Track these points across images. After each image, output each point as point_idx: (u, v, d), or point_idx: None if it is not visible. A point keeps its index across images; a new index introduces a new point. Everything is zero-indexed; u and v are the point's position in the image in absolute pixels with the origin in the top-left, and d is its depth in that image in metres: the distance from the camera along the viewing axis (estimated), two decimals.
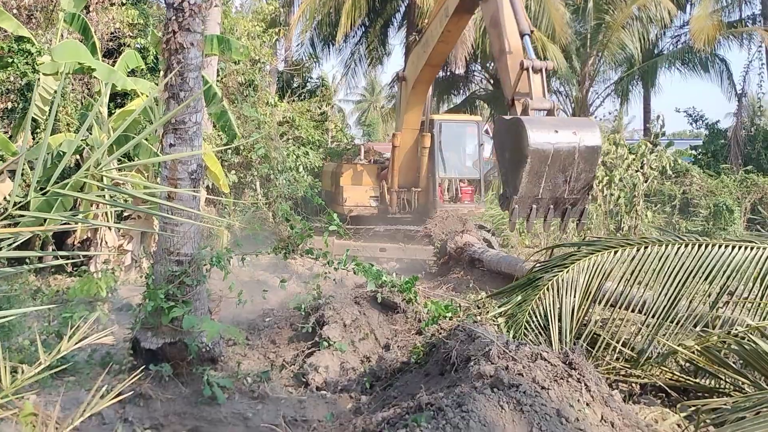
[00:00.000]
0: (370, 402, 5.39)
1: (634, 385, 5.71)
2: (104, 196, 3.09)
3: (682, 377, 5.57)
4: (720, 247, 5.76)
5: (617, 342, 5.75)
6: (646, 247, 5.96)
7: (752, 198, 19.41)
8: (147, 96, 11.02)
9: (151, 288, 5.97)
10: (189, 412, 5.42)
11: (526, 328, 5.86)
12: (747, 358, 4.65)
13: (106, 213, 10.71)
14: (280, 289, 7.71)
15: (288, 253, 7.52)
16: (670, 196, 19.04)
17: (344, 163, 16.80)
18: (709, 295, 5.66)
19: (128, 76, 11.48)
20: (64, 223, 4.55)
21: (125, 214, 11.53)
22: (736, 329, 5.05)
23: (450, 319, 6.77)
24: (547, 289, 6.01)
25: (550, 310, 5.87)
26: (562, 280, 6.00)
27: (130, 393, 5.05)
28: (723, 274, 5.60)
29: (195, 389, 5.63)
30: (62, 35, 12.23)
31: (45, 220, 3.89)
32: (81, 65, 10.22)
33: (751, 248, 5.69)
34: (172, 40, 5.92)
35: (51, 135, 10.97)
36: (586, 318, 6.16)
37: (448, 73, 25.98)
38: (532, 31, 8.92)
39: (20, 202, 2.23)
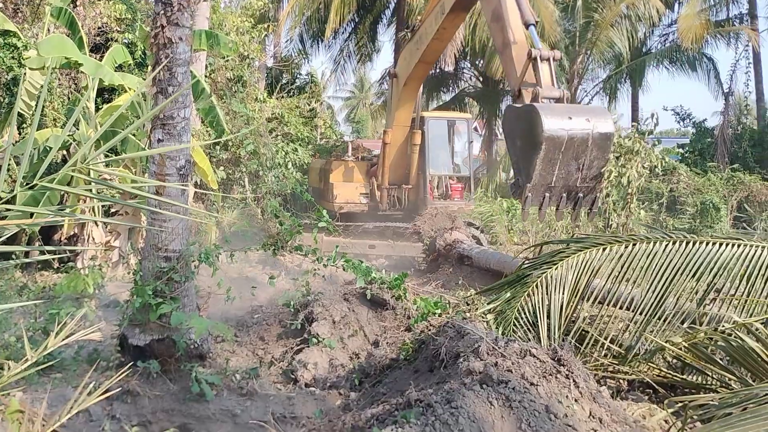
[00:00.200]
0: (359, 398, 5.38)
1: (621, 381, 5.75)
2: (91, 190, 3.07)
3: (670, 373, 5.61)
4: (707, 244, 5.81)
5: (605, 339, 5.79)
6: (634, 245, 5.99)
7: (738, 196, 19.57)
8: (135, 91, 10.94)
9: (139, 284, 5.93)
10: (177, 409, 5.40)
11: (515, 325, 5.88)
12: (733, 354, 4.69)
13: (93, 208, 10.64)
14: (269, 285, 7.67)
15: (277, 250, 7.50)
16: (658, 193, 19.15)
17: (334, 159, 16.75)
18: (696, 293, 5.71)
19: (116, 71, 11.38)
20: (51, 219, 4.52)
21: (113, 209, 11.45)
22: (723, 326, 5.10)
23: (439, 316, 6.79)
24: (536, 286, 6.03)
25: (539, 307, 5.89)
26: (551, 277, 6.02)
27: (117, 390, 5.01)
28: (710, 272, 5.65)
29: (183, 386, 5.60)
30: (49, 29, 12.12)
31: (31, 215, 3.85)
32: (68, 60, 10.13)
33: (738, 246, 5.75)
34: (160, 35, 5.88)
35: (37, 130, 10.87)
36: (575, 315, 6.18)
37: (437, 71, 25.99)
38: (537, 21, 8.90)
39: (6, 197, 2.21)
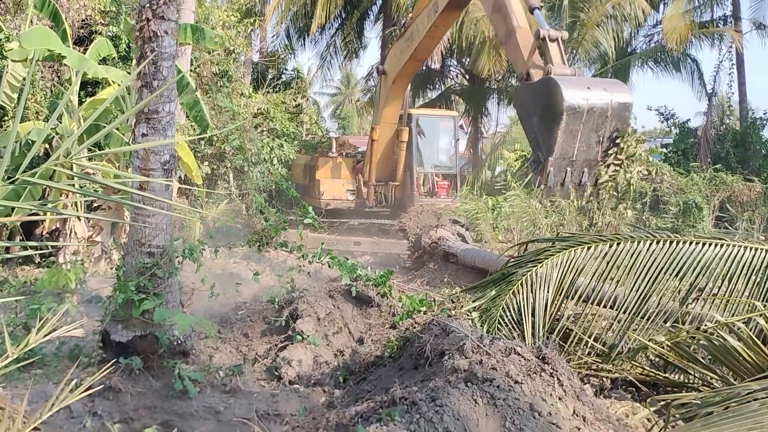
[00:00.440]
0: (343, 396, 5.37)
1: (605, 379, 5.79)
2: (74, 185, 3.03)
3: (652, 372, 5.66)
4: (690, 244, 5.86)
5: (589, 337, 5.82)
6: (618, 244, 6.03)
7: (721, 196, 19.79)
8: (119, 85, 10.83)
9: (122, 280, 5.89)
10: (159, 406, 5.36)
11: (499, 323, 5.89)
12: (715, 353, 4.73)
13: (76, 203, 10.53)
14: (254, 282, 7.64)
15: (262, 246, 7.47)
16: (641, 193, 19.30)
17: (320, 156, 16.70)
18: (679, 292, 5.76)
19: (100, 64, 11.26)
20: (33, 213, 4.46)
21: (95, 204, 11.34)
22: (705, 325, 5.14)
23: (424, 314, 6.79)
24: (521, 284, 6.06)
25: (524, 305, 5.91)
26: (536, 275, 6.04)
27: (99, 386, 4.96)
28: (692, 271, 5.70)
29: (166, 383, 5.56)
30: (32, 21, 11.95)
31: (13, 209, 3.80)
32: (51, 52, 9.99)
33: (720, 246, 5.80)
34: (145, 28, 5.82)
35: (20, 123, 10.73)
36: (559, 313, 6.21)
37: (424, 68, 25.96)
38: (541, 6, 8.89)
39: None
